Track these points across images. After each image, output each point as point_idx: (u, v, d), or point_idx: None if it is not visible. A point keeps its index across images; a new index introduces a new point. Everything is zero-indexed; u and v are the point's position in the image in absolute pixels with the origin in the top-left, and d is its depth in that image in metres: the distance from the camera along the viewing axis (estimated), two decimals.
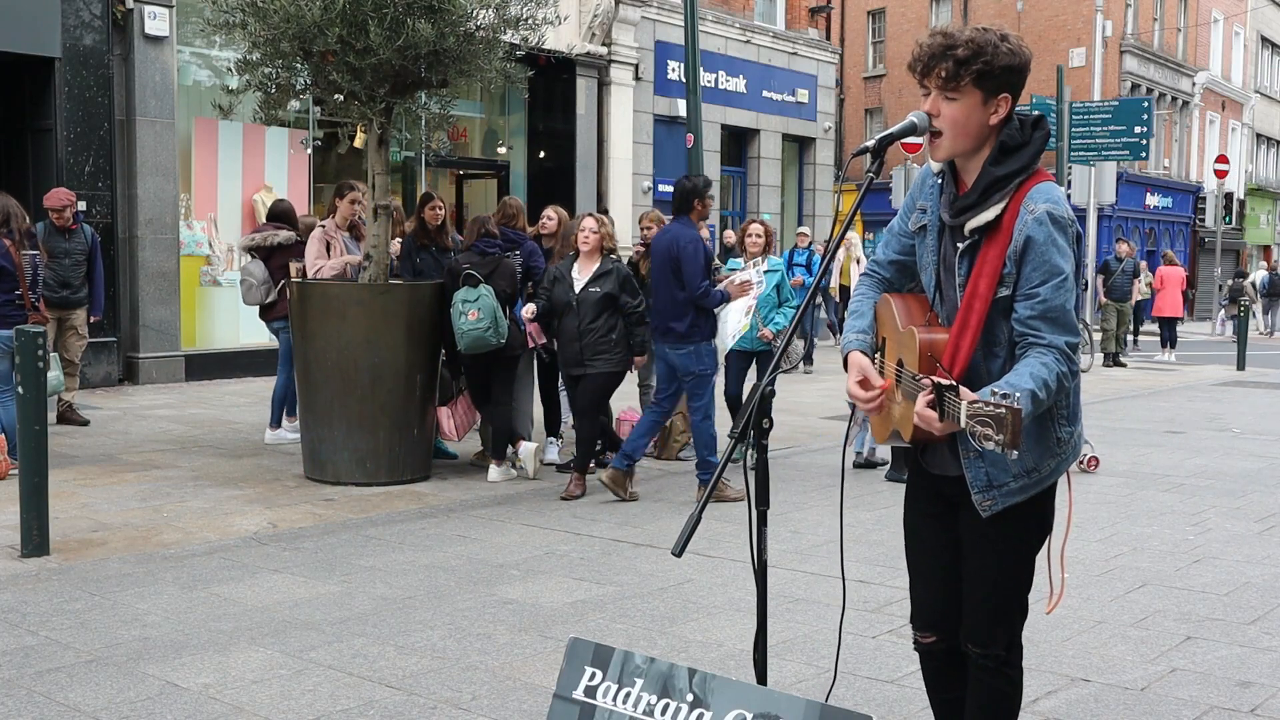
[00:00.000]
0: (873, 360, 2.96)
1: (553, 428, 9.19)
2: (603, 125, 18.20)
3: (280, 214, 9.66)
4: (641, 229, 9.31)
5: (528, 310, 7.81)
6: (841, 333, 13.93)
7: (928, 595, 3.05)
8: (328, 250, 8.52)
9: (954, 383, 2.59)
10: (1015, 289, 2.73)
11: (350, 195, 8.68)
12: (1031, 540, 2.91)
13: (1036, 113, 2.86)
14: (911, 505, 3.09)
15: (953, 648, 3.02)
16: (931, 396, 2.60)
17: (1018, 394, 2.48)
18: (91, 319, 10.10)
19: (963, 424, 2.48)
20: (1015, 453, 2.40)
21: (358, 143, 13.97)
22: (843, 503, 3.25)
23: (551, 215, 9.21)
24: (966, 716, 3.04)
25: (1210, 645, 4.82)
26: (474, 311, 7.66)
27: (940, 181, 2.91)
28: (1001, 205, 2.75)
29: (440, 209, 8.77)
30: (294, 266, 8.88)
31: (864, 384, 2.88)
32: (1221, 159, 28.93)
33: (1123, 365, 18.76)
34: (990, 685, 2.95)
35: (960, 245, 2.83)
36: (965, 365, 2.74)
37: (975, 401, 2.47)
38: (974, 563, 2.92)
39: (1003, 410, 2.40)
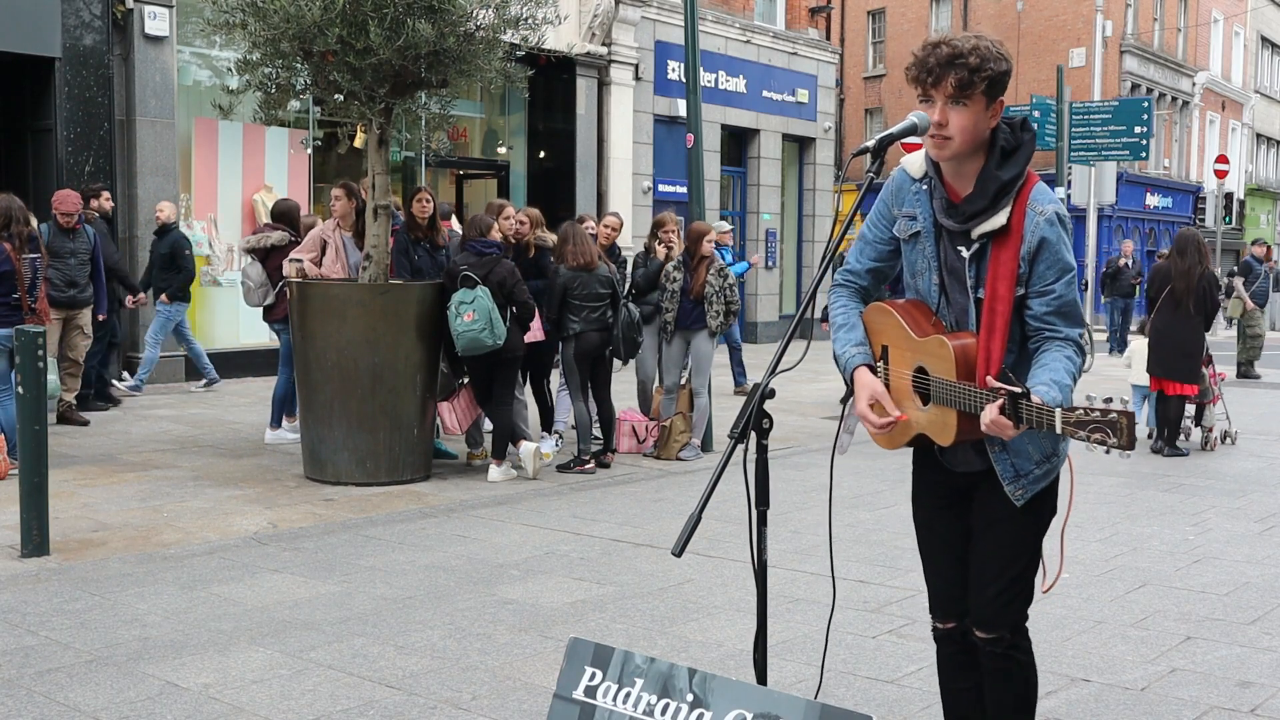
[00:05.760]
0: (875, 372, 3.01)
1: (546, 425, 9.24)
2: (603, 125, 18.19)
3: (281, 214, 9.65)
4: (662, 234, 9.30)
5: None
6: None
7: (946, 584, 3.11)
8: (323, 251, 8.52)
9: (1027, 389, 2.66)
10: (1027, 286, 2.82)
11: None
12: (1044, 523, 3.00)
13: (1021, 116, 2.93)
14: (922, 500, 3.15)
15: (967, 631, 3.10)
16: (1003, 404, 2.66)
17: (1057, 388, 2.66)
18: (99, 317, 10.22)
19: (1059, 429, 2.56)
20: (1130, 453, 2.50)
21: (358, 143, 13.99)
22: (831, 509, 3.28)
23: (524, 219, 9.10)
24: (988, 705, 3.10)
25: (1210, 645, 4.82)
26: (470, 313, 7.65)
27: (927, 188, 2.93)
28: (1009, 209, 2.82)
29: (428, 202, 8.75)
30: (289, 265, 8.88)
31: (875, 408, 2.93)
32: (1221, 159, 28.88)
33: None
34: (1003, 670, 3.03)
35: (966, 250, 2.88)
36: (999, 368, 2.81)
37: (1075, 409, 2.55)
38: (988, 548, 2.98)
39: (1114, 414, 2.49)
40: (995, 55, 2.75)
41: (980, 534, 3.00)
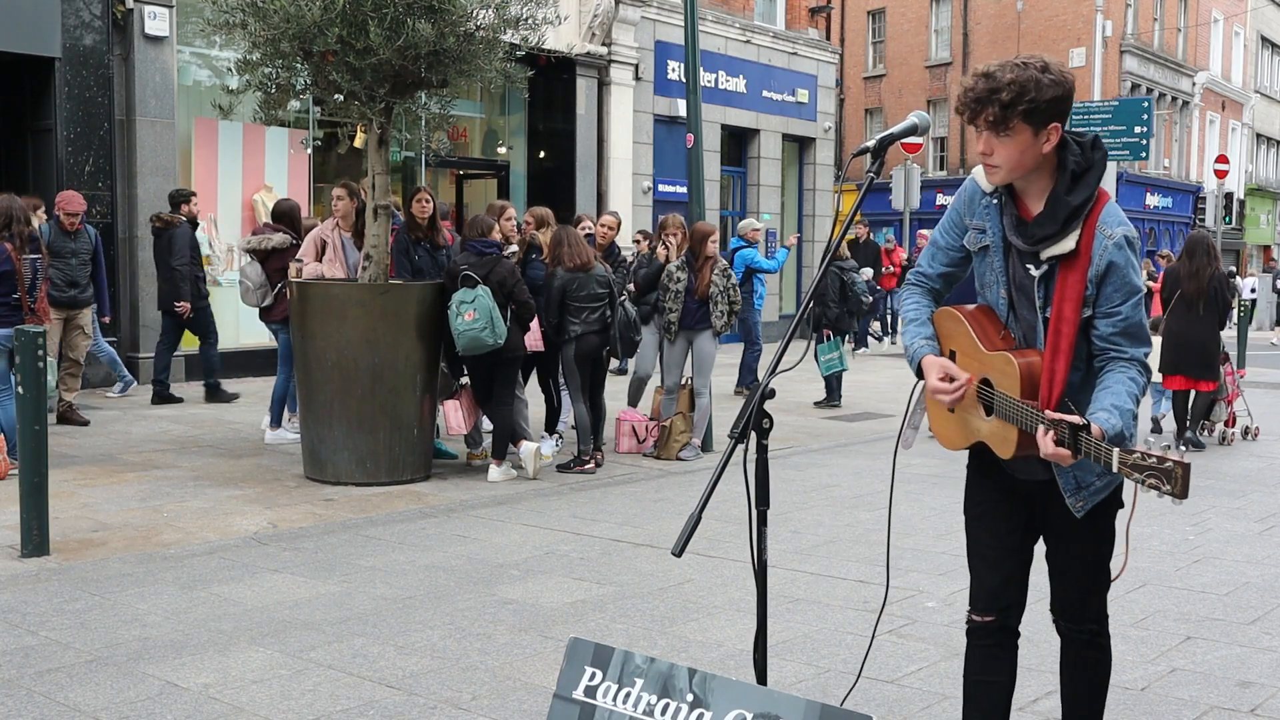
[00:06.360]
0: None
1: (550, 425, 9.23)
2: (603, 125, 18.20)
3: (282, 215, 9.64)
4: (663, 235, 9.29)
5: None
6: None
7: (995, 577, 3.13)
8: (322, 251, 8.52)
9: (1087, 422, 2.69)
10: (1094, 307, 2.85)
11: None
12: (1114, 520, 3.07)
13: (1092, 134, 2.92)
14: (976, 496, 3.17)
15: (1005, 626, 3.13)
16: (1061, 434, 2.69)
17: (1118, 414, 2.70)
18: (105, 318, 10.37)
19: (1115, 468, 2.60)
20: (1182, 501, 2.52)
21: (358, 143, 13.97)
22: (892, 500, 3.37)
23: (528, 218, 9.11)
24: (1065, 692, 3.19)
25: (1210, 645, 4.82)
26: (470, 312, 7.65)
27: (998, 203, 2.95)
28: (1078, 233, 2.84)
29: (428, 202, 8.74)
30: (292, 267, 8.89)
31: (946, 378, 2.94)
32: (1221, 159, 28.85)
33: None
34: (1087, 656, 3.13)
35: (1035, 271, 2.91)
36: (1062, 388, 2.83)
37: (1133, 452, 2.57)
38: (1067, 551, 3.06)
39: (1169, 463, 2.51)
40: (1037, 84, 2.72)
41: (1056, 542, 3.07)
